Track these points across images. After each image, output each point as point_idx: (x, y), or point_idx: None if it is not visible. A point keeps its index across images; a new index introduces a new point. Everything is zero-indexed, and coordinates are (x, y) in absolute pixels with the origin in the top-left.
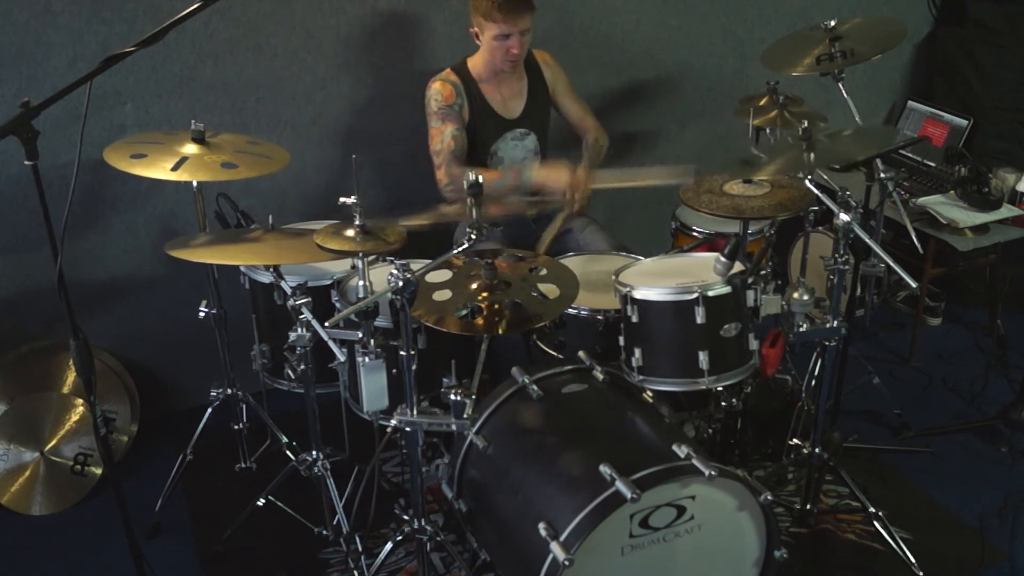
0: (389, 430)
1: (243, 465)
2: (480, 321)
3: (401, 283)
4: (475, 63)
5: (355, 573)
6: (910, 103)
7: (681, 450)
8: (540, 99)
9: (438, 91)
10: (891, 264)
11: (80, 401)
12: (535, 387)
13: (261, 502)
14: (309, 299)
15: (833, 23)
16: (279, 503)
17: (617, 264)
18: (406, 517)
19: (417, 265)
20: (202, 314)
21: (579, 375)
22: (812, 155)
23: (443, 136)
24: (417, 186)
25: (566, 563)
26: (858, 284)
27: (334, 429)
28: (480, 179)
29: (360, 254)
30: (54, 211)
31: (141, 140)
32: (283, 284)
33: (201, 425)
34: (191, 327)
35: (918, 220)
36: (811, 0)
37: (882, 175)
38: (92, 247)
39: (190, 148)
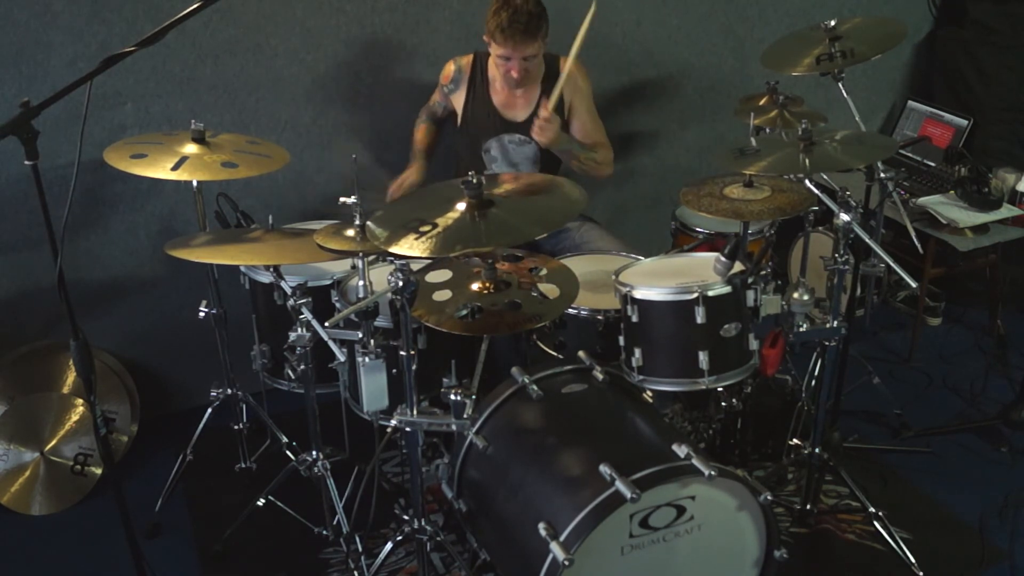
0: (389, 430)
1: (243, 465)
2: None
3: (401, 283)
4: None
5: (355, 573)
6: (910, 103)
7: (681, 450)
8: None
9: (443, 70)
10: (891, 264)
11: (80, 401)
12: (535, 387)
13: (261, 502)
14: (309, 299)
15: (833, 23)
16: (279, 503)
17: (617, 264)
18: (406, 517)
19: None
20: (202, 314)
21: (579, 375)
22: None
23: (432, 98)
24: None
25: (566, 563)
26: (858, 284)
27: (334, 429)
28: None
29: (360, 254)
30: (54, 211)
31: (141, 140)
32: (283, 284)
33: (201, 425)
34: (191, 327)
35: (918, 220)
36: (811, 0)
37: (882, 175)
38: (92, 247)
39: (190, 148)
